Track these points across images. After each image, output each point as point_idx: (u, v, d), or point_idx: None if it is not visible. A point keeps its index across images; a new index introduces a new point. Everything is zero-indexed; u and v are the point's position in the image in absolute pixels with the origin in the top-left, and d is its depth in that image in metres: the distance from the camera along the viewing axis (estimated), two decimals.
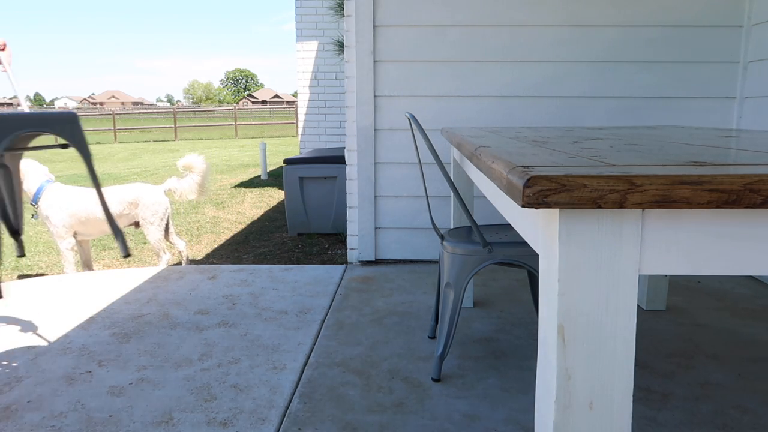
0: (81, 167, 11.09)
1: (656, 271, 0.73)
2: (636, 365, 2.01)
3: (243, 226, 5.30)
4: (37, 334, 2.36)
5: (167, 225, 3.71)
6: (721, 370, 1.97)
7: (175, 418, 1.71)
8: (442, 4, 3.10)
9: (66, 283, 3.13)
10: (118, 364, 2.06)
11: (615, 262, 0.72)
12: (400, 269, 3.23)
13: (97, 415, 1.72)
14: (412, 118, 1.84)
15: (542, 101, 3.17)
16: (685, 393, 1.82)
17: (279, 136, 21.21)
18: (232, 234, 5.01)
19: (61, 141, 1.87)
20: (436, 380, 1.91)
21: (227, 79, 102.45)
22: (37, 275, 3.84)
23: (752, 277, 2.99)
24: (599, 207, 0.69)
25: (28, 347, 2.24)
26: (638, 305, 2.59)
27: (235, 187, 7.92)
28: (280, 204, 6.38)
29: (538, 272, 1.44)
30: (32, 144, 2.10)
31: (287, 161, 4.51)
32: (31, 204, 3.42)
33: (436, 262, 3.34)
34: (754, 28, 3.01)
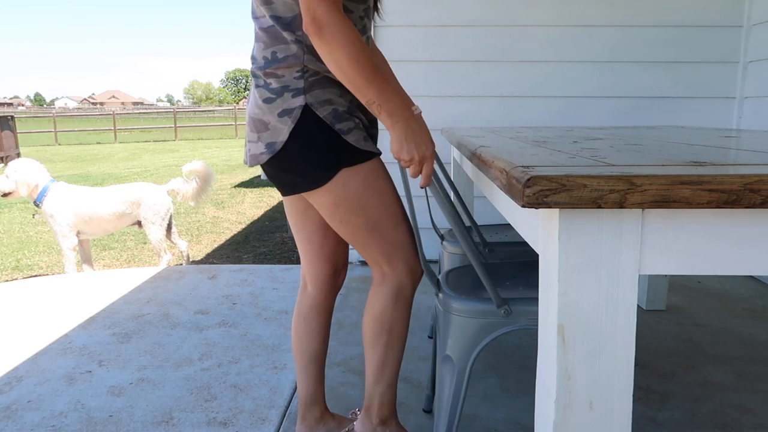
0: (80, 167, 11.10)
1: (656, 271, 0.73)
2: (636, 365, 2.01)
3: (243, 226, 5.30)
4: (37, 334, 2.36)
5: (169, 225, 3.71)
6: (721, 370, 1.97)
7: (175, 417, 1.71)
8: (442, 4, 3.10)
9: (66, 283, 3.13)
10: (119, 364, 2.06)
11: (615, 262, 0.72)
12: None
13: (97, 415, 1.72)
14: None
15: (542, 101, 3.17)
16: (685, 393, 1.81)
17: None
18: (232, 234, 5.01)
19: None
20: None
21: (227, 79, 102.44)
22: (37, 275, 3.84)
23: (752, 277, 2.99)
24: (599, 207, 0.69)
25: (28, 347, 2.24)
26: (638, 305, 2.59)
27: (235, 187, 7.92)
28: (280, 204, 6.38)
29: None
30: None
31: None
32: (35, 204, 3.43)
33: (436, 261, 3.34)
34: (754, 28, 3.01)
